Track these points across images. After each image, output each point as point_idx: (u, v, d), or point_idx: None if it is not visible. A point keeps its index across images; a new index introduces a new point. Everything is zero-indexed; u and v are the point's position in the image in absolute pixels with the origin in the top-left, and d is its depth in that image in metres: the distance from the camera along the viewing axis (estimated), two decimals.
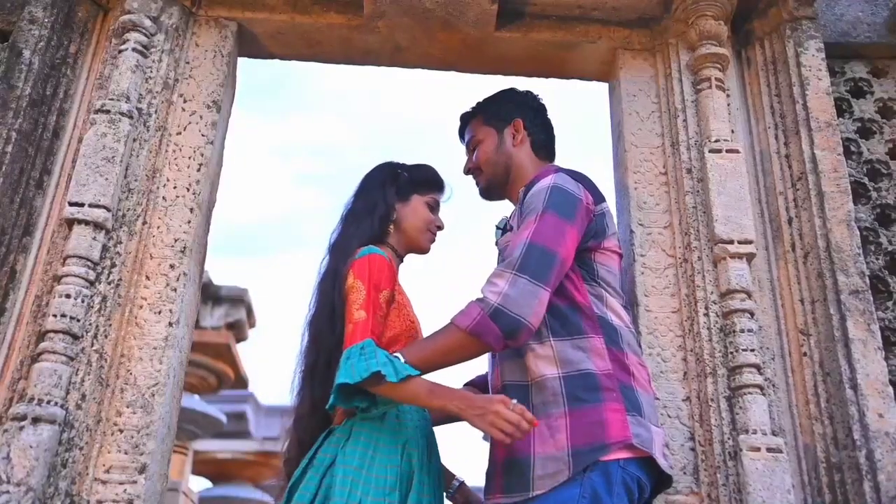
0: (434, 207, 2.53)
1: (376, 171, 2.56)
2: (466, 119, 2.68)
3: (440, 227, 2.54)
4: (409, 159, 2.62)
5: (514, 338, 2.02)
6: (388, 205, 2.46)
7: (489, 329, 2.01)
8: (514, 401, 1.96)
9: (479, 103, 2.67)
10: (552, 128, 2.62)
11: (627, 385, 2.11)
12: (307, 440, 2.29)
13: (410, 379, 2.03)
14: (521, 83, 2.78)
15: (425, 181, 2.54)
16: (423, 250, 2.52)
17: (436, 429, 2.39)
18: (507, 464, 2.12)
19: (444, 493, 2.48)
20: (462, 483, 2.53)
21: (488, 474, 2.20)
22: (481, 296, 2.05)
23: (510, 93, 2.67)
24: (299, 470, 2.19)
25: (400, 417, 2.22)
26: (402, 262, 2.51)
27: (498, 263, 2.37)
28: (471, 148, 2.61)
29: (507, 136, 2.53)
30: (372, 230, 2.41)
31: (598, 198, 2.30)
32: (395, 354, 2.09)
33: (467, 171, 2.62)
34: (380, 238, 2.42)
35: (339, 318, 2.24)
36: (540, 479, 2.02)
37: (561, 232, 2.12)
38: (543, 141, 2.57)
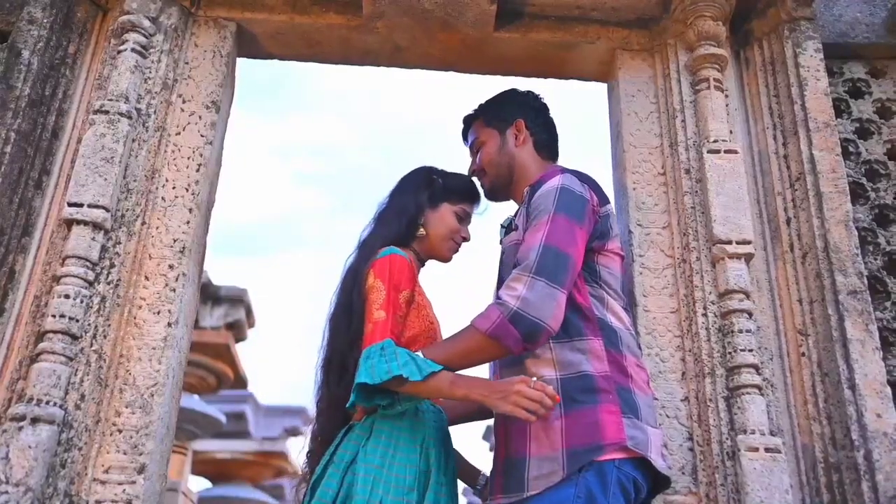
0: (463, 218, 2.52)
1: (413, 174, 2.58)
2: (469, 121, 2.68)
3: (465, 239, 2.54)
4: (413, 161, 2.64)
5: (532, 340, 2.04)
6: (418, 209, 2.47)
7: (508, 332, 2.02)
8: (535, 379, 2.00)
9: (480, 105, 2.68)
10: (554, 127, 2.63)
11: (625, 387, 2.12)
12: (328, 434, 2.32)
13: (433, 374, 2.05)
14: (521, 83, 2.79)
15: (457, 190, 2.53)
16: (444, 259, 2.53)
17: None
18: (507, 464, 2.14)
19: (473, 489, 2.51)
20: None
21: (491, 475, 2.24)
22: (500, 299, 2.06)
23: (511, 93, 2.67)
24: (321, 466, 2.21)
25: (419, 414, 2.24)
26: (423, 266, 2.52)
27: (501, 263, 2.39)
28: (474, 150, 2.62)
29: (510, 136, 2.53)
30: (398, 232, 2.43)
31: (603, 199, 2.31)
32: (415, 353, 2.12)
33: (472, 173, 2.63)
34: (405, 240, 2.43)
35: (355, 316, 2.27)
36: (535, 479, 2.04)
37: (572, 234, 2.14)
38: (546, 140, 2.57)
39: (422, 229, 2.46)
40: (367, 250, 2.39)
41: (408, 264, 2.31)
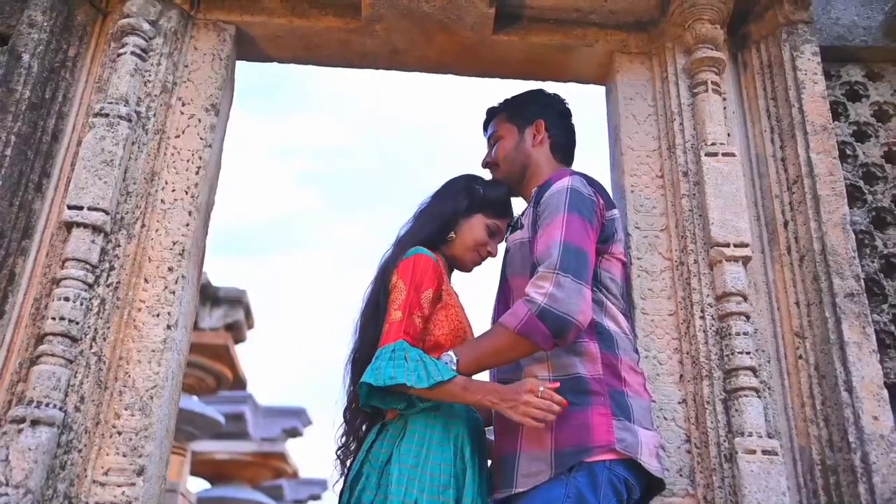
0: (494, 233, 2.52)
1: (458, 179, 2.59)
2: (492, 114, 2.71)
3: (491, 254, 2.53)
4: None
5: (562, 336, 2.05)
6: (454, 214, 2.48)
7: (537, 329, 2.04)
8: (542, 388, 2.03)
9: (506, 100, 2.71)
10: (574, 133, 2.66)
11: (618, 390, 2.13)
12: (354, 430, 2.36)
13: (440, 383, 2.07)
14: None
15: (493, 203, 2.53)
16: (464, 269, 2.53)
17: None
18: (501, 460, 2.18)
19: None
20: None
21: (491, 470, 2.27)
22: (528, 296, 2.07)
23: (537, 94, 2.71)
24: (357, 463, 2.23)
25: (452, 411, 2.24)
26: (452, 270, 2.54)
27: (505, 260, 2.42)
28: (492, 143, 2.65)
29: (528, 135, 2.56)
30: (430, 234, 2.45)
31: (609, 204, 2.34)
32: (446, 353, 2.15)
33: (485, 165, 2.66)
34: (435, 243, 2.45)
35: (381, 314, 2.30)
36: (523, 476, 2.07)
37: (586, 232, 2.17)
38: (563, 144, 2.60)
39: (452, 234, 2.48)
40: (398, 249, 2.42)
41: (433, 264, 2.32)
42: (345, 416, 2.39)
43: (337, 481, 2.34)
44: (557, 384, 2.07)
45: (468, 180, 2.57)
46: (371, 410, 2.26)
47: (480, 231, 2.49)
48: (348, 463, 2.33)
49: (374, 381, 2.08)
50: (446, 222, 2.47)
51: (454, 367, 2.12)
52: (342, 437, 2.39)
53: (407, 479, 2.09)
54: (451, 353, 2.16)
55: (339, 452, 2.38)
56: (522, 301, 2.08)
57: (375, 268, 2.46)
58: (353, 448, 2.36)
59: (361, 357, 2.34)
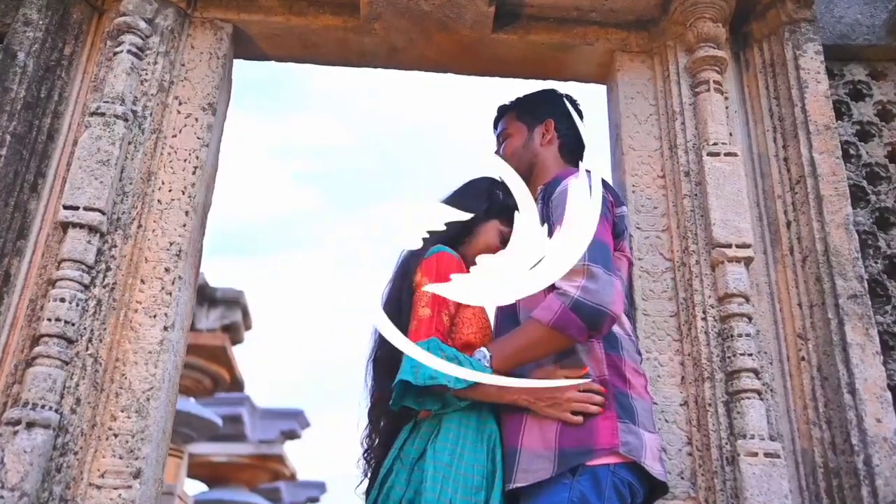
0: (506, 240, 2.47)
1: (479, 181, 2.57)
2: (503, 111, 2.71)
3: None
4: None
5: (597, 328, 2.04)
6: (474, 217, 2.47)
7: (571, 321, 2.02)
8: (581, 381, 2.06)
9: (517, 98, 2.70)
10: (583, 134, 2.64)
11: (622, 391, 2.12)
12: (379, 429, 2.34)
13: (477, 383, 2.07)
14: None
15: (511, 211, 2.50)
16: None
17: None
18: (504, 455, 2.16)
19: None
20: None
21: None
22: (560, 289, 2.06)
23: (548, 93, 2.70)
24: (389, 459, 2.20)
25: (484, 409, 2.21)
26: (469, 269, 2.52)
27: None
28: (501, 140, 2.65)
29: (537, 134, 2.56)
30: (450, 233, 2.44)
31: (618, 201, 2.34)
32: (478, 350, 2.14)
33: None
34: (454, 242, 2.43)
35: (404, 312, 2.28)
36: (523, 472, 2.06)
37: (605, 226, 2.17)
38: (572, 145, 2.59)
39: (468, 236, 2.46)
40: (420, 246, 2.40)
41: (456, 262, 2.31)
42: (369, 417, 2.37)
43: (361, 482, 2.32)
44: (586, 368, 2.09)
45: (491, 183, 2.55)
46: (400, 411, 2.23)
47: (494, 237, 2.47)
48: (373, 464, 2.31)
49: (414, 379, 2.05)
50: (465, 224, 2.46)
51: (487, 365, 2.11)
52: (367, 437, 2.37)
53: (442, 478, 2.06)
54: (483, 350, 2.14)
55: (365, 455, 2.36)
56: (555, 294, 2.06)
57: (395, 264, 2.45)
58: (377, 449, 2.33)
59: (383, 355, 2.32)
